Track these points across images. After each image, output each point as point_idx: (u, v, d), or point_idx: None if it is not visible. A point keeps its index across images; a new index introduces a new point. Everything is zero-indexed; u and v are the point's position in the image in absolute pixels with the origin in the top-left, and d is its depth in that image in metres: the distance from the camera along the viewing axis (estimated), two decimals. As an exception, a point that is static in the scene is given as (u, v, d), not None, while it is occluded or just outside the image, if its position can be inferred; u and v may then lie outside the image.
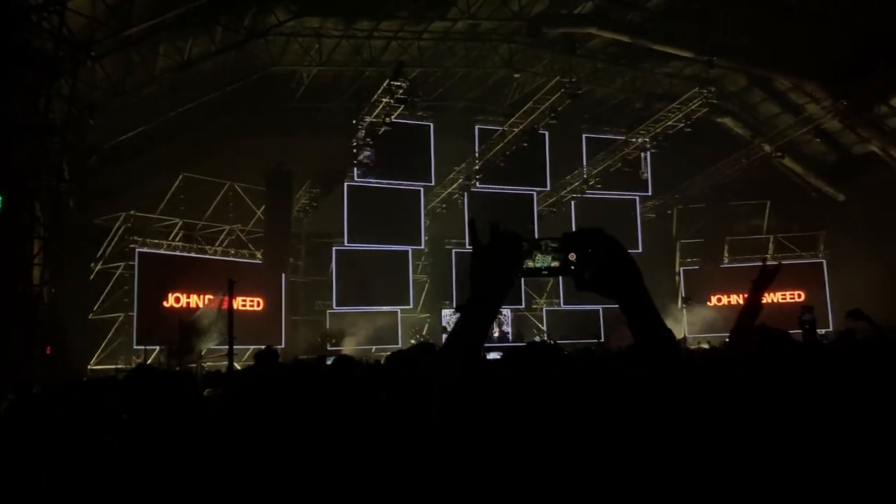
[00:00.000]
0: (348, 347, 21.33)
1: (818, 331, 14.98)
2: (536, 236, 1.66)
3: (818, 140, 23.90)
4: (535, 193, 25.59)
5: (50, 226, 13.83)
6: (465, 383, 1.62)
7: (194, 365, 14.28)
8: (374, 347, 21.68)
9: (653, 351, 1.59)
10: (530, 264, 1.62)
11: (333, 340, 22.13)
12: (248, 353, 17.35)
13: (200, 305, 18.26)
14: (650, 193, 26.73)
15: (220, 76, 19.93)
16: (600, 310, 24.16)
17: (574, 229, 1.68)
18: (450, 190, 24.32)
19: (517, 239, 1.65)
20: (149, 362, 18.45)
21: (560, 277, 1.65)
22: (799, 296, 24.55)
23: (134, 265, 19.88)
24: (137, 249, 20.02)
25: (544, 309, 25.84)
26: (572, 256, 1.61)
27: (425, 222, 24.11)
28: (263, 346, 9.81)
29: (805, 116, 22.98)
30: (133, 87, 17.73)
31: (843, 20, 18.70)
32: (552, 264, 1.62)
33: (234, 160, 21.72)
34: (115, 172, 20.71)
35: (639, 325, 1.59)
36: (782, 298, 24.89)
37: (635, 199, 26.66)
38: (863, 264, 21.78)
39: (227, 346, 11.08)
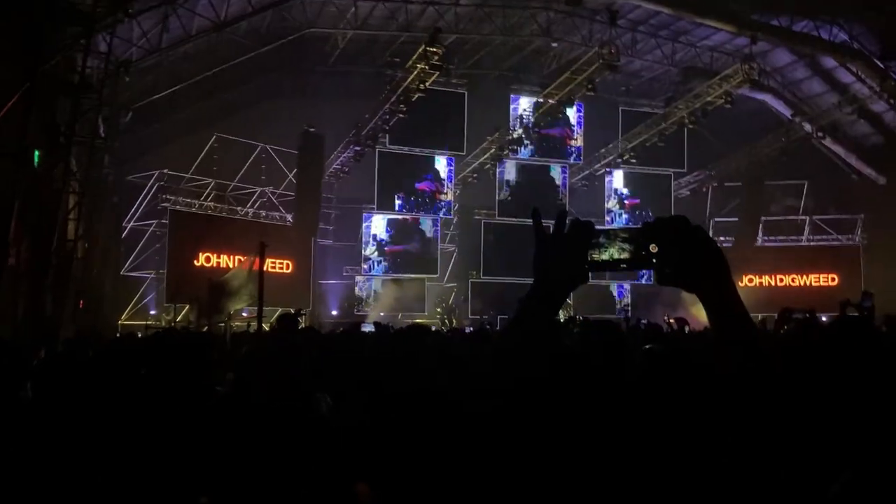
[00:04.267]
0: (374, 312, 21.45)
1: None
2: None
3: (862, 121, 23.24)
4: (567, 166, 25.31)
5: (84, 181, 13.97)
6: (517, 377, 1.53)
7: (222, 325, 14.43)
8: (400, 314, 21.78)
9: (739, 349, 1.44)
10: (596, 257, 1.48)
11: (359, 305, 22.29)
12: (275, 315, 17.44)
13: (230, 265, 18.37)
14: (685, 170, 26.28)
15: (255, 37, 19.85)
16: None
17: (654, 218, 1.51)
18: (482, 160, 24.10)
19: (591, 228, 1.50)
20: (178, 319, 18.76)
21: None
22: (832, 279, 24.13)
23: (166, 223, 20.07)
24: (170, 207, 20.18)
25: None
26: (654, 248, 1.46)
27: (455, 191, 23.97)
28: (292, 310, 9.87)
29: (850, 96, 22.31)
30: (168, 45, 17.74)
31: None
32: (622, 256, 1.47)
33: (267, 122, 21.74)
34: (149, 130, 20.86)
35: (723, 321, 1.45)
36: (815, 282, 24.51)
37: (670, 175, 26.23)
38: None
39: (255, 308, 11.15)
